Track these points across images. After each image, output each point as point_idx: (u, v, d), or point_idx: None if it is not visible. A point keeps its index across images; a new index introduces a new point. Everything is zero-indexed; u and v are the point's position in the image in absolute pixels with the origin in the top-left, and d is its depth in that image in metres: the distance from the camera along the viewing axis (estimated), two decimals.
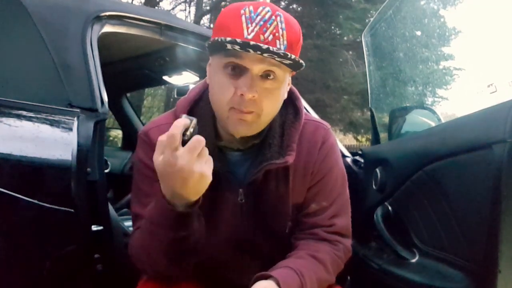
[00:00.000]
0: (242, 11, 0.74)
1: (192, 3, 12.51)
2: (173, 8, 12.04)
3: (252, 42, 0.70)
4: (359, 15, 9.22)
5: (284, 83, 0.81)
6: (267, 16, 0.74)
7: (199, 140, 0.65)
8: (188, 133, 0.66)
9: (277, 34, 0.74)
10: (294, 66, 0.76)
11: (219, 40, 0.72)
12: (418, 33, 1.86)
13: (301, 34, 0.80)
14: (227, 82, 0.77)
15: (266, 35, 0.73)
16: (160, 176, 0.68)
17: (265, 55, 0.72)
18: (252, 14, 0.74)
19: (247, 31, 0.73)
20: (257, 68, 0.75)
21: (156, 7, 9.89)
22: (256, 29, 0.73)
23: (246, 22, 0.73)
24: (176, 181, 0.66)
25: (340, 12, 9.51)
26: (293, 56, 0.73)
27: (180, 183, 0.66)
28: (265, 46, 0.70)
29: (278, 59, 0.73)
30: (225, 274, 0.94)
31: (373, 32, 1.72)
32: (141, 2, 10.38)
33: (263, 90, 0.76)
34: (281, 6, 9.83)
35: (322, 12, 10.09)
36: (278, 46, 0.73)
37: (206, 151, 0.67)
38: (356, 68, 9.52)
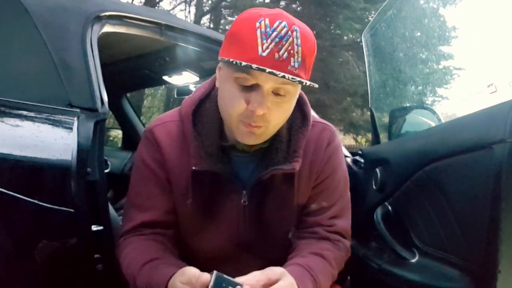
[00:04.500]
0: (258, 24, 0.72)
1: (192, 3, 12.53)
2: (173, 8, 12.06)
3: (268, 69, 0.69)
4: (359, 15, 9.24)
5: (295, 96, 0.81)
6: (283, 32, 0.72)
7: None
8: None
9: (292, 51, 0.72)
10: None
11: (233, 62, 0.71)
12: (418, 33, 1.86)
13: (316, 44, 0.78)
14: (238, 95, 0.76)
15: (281, 52, 0.71)
16: None
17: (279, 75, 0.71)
18: (268, 29, 0.71)
19: (262, 47, 0.71)
20: (269, 85, 0.74)
21: (156, 7, 9.89)
22: (271, 46, 0.71)
23: (261, 38, 0.71)
24: None
25: (340, 12, 9.52)
26: (306, 82, 0.72)
27: None
28: (280, 74, 0.69)
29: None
30: (225, 273, 0.95)
31: (373, 32, 1.72)
32: (141, 2, 10.37)
33: (273, 104, 0.76)
34: (280, 6, 9.83)
35: (321, 12, 10.09)
36: (292, 63, 0.72)
37: None
38: (357, 69, 9.51)
